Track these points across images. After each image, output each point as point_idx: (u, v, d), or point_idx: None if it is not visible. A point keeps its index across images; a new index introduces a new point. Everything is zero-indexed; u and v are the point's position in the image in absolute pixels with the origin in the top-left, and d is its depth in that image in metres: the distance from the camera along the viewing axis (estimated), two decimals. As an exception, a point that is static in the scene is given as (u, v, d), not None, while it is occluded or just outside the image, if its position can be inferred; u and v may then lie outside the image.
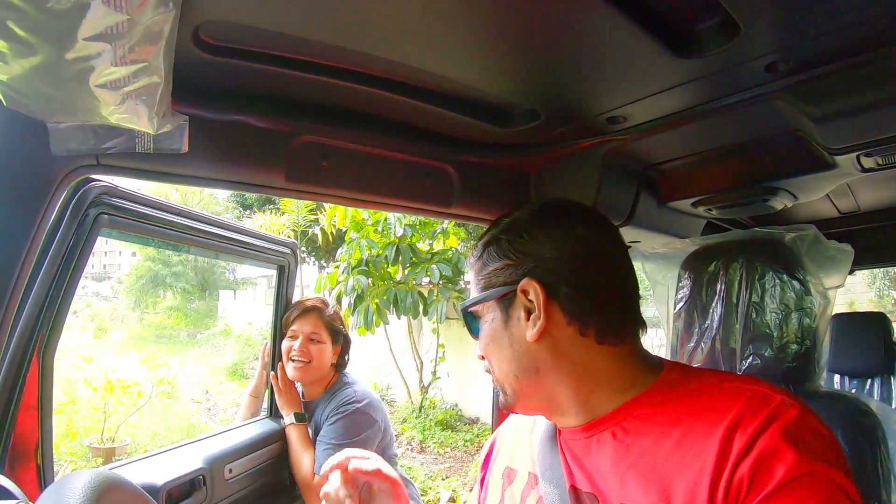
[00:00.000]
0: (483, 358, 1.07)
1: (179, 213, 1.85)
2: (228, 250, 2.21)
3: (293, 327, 2.48)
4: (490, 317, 1.03)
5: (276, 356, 2.56)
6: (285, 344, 2.49)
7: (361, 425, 2.40)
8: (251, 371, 16.24)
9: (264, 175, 1.36)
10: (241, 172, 1.34)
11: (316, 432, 2.45)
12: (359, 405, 2.43)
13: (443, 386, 9.93)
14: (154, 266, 34.88)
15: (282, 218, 10.33)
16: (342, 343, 2.60)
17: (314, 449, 2.38)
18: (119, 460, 6.95)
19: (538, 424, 1.14)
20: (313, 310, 2.51)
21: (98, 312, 42.84)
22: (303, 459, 2.37)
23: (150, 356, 8.47)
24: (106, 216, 1.52)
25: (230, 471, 2.11)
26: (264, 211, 10.31)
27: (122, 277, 43.93)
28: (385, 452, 2.48)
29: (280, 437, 2.47)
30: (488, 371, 1.07)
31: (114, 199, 1.54)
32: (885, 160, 1.29)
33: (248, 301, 27.82)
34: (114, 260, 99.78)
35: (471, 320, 1.08)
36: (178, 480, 1.83)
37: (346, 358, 2.65)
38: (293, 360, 2.45)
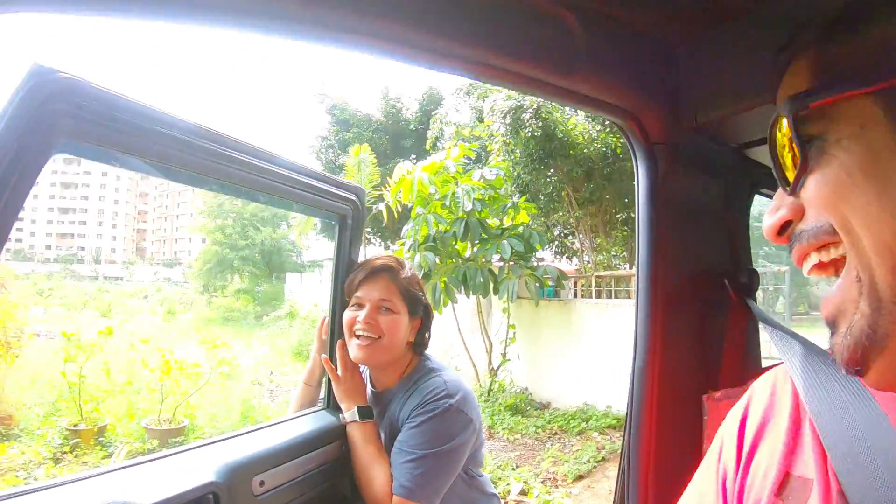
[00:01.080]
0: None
1: (190, 128, 1.39)
2: (265, 187, 1.67)
3: (358, 293, 1.94)
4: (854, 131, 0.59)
5: (335, 333, 2.03)
6: (348, 315, 1.94)
7: (454, 428, 1.86)
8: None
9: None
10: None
11: (392, 434, 1.93)
12: (452, 401, 1.86)
13: (512, 369, 9.58)
14: (221, 250, 35.66)
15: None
16: (422, 316, 2.03)
17: (388, 457, 1.88)
18: (176, 443, 6.98)
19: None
20: (384, 271, 1.96)
21: (168, 297, 44.21)
22: (373, 471, 1.86)
23: (210, 338, 8.29)
24: (70, 119, 1.12)
25: (261, 483, 1.61)
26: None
27: (191, 262, 44.82)
28: (475, 457, 2.02)
29: (337, 435, 1.95)
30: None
31: (84, 96, 1.14)
32: None
33: (314, 283, 28.14)
34: (184, 246, 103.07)
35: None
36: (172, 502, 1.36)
37: (427, 336, 2.08)
38: (357, 336, 1.90)
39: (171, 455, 1.59)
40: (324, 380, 2.12)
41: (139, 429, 7.58)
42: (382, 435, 1.98)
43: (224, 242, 35.72)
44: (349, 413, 1.93)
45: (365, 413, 1.93)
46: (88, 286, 54.06)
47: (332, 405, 2.06)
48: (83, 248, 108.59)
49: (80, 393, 7.50)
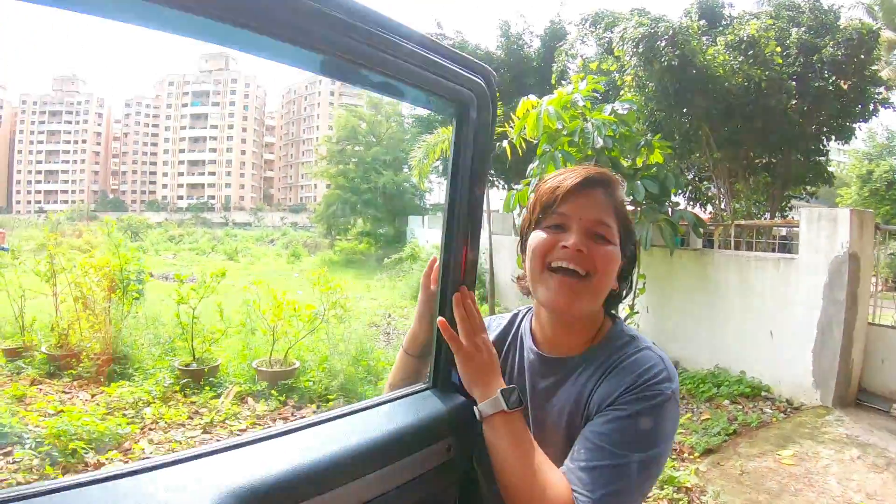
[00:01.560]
0: None
1: None
2: (348, 53, 1.10)
3: (561, 208, 1.37)
4: None
5: (450, 279, 1.45)
6: (540, 238, 1.39)
7: (671, 425, 1.32)
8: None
9: None
10: None
11: (571, 418, 1.39)
12: (672, 387, 1.32)
13: (640, 322, 8.93)
14: (344, 194, 36.65)
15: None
16: (629, 257, 1.47)
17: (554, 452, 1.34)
18: (285, 384, 6.83)
19: None
20: (601, 184, 1.40)
21: (292, 240, 45.92)
22: (541, 480, 1.27)
23: (324, 279, 8.11)
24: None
25: None
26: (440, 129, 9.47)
27: (315, 207, 46.15)
28: None
29: (447, 429, 1.41)
30: None
31: None
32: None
33: (437, 226, 28.56)
34: (309, 192, 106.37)
35: None
36: None
37: (628, 287, 1.54)
38: (556, 270, 1.35)
39: (182, 461, 1.03)
40: (433, 349, 1.52)
41: (250, 370, 7.55)
42: (557, 417, 1.41)
43: (346, 187, 36.80)
44: (490, 402, 1.36)
45: (514, 398, 1.35)
46: (217, 232, 57.03)
47: (441, 384, 1.51)
48: (213, 198, 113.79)
49: (192, 333, 7.57)
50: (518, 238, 1.54)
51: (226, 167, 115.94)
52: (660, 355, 1.37)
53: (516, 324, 1.63)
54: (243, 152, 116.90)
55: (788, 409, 7.07)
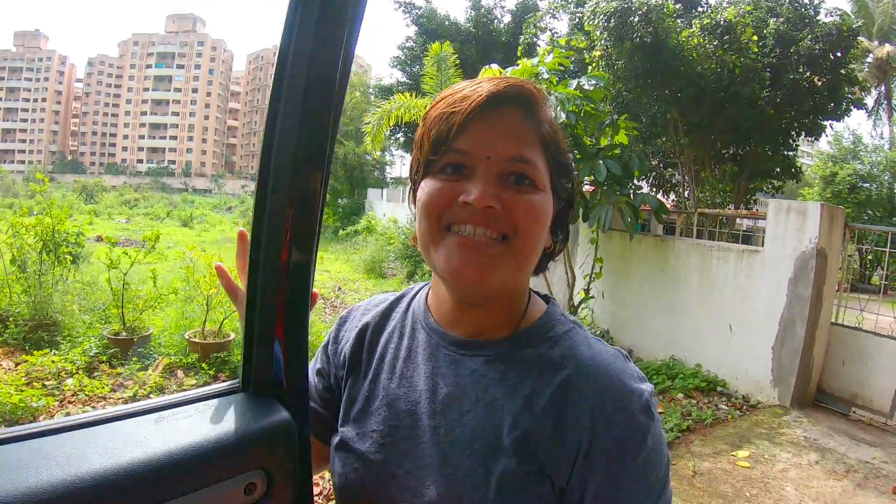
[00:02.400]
0: None
1: None
2: None
3: (458, 143, 0.91)
4: None
5: (264, 240, 0.96)
6: (433, 188, 0.94)
7: (664, 447, 0.92)
8: (389, 270, 15.92)
9: None
10: None
11: (482, 431, 0.93)
12: (646, 388, 0.92)
13: (595, 308, 8.65)
14: None
15: (423, 100, 9.03)
16: (566, 198, 1.03)
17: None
18: (218, 358, 6.42)
19: None
20: (515, 101, 0.94)
21: (251, 208, 45.54)
22: None
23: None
24: None
25: None
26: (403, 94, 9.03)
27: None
28: None
29: (259, 457, 0.92)
30: None
31: None
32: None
33: (395, 200, 28.52)
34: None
35: None
36: None
37: (563, 243, 1.07)
38: (459, 232, 0.91)
39: None
40: (242, 340, 1.03)
41: (182, 341, 7.09)
42: (474, 422, 0.94)
43: None
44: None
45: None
46: (175, 198, 56.28)
47: (257, 385, 1.00)
48: (173, 163, 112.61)
49: (123, 300, 7.11)
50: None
51: (188, 132, 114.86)
52: (615, 351, 0.98)
53: (406, 300, 1.18)
54: (206, 118, 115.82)
55: (745, 407, 6.86)
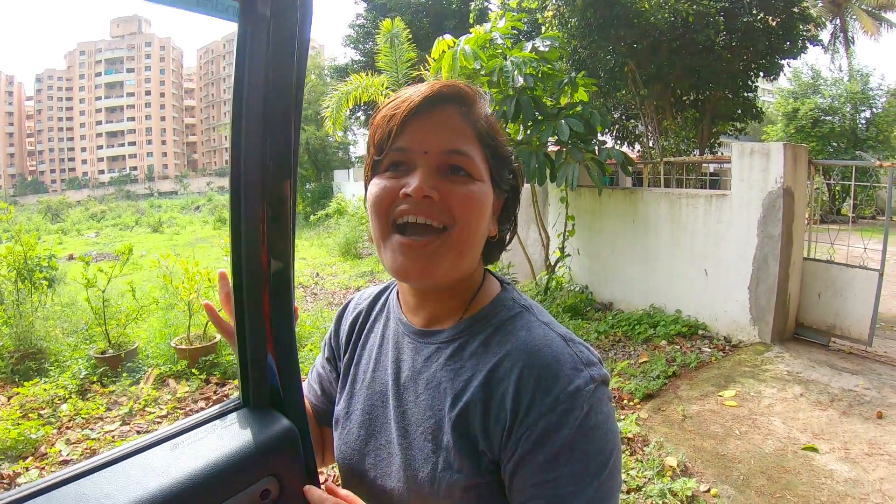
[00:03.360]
0: None
1: None
2: None
3: (399, 142, 0.99)
4: None
5: (244, 259, 0.98)
6: (378, 187, 1.00)
7: (611, 422, 0.94)
8: (364, 250, 15.96)
9: None
10: None
11: (433, 410, 1.01)
12: (594, 372, 0.94)
13: (571, 265, 8.70)
14: None
15: (379, 77, 8.96)
16: (508, 192, 1.10)
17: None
18: (206, 360, 6.38)
19: None
20: (451, 101, 1.01)
21: (218, 205, 45.05)
22: None
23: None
24: None
25: None
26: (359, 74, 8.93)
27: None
28: None
29: (267, 467, 0.96)
30: None
31: None
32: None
33: (363, 178, 28.87)
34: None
35: None
36: None
37: (511, 232, 1.15)
38: (402, 226, 0.98)
39: None
40: (237, 355, 1.07)
41: (169, 349, 7.05)
42: (424, 406, 1.03)
43: None
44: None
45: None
46: (142, 204, 55.69)
47: (256, 399, 1.06)
48: (135, 169, 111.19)
49: (104, 317, 7.03)
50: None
51: (146, 136, 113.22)
52: (563, 335, 0.99)
53: (387, 292, 1.28)
54: (163, 119, 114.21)
55: (727, 347, 6.97)
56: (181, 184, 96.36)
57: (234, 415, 1.05)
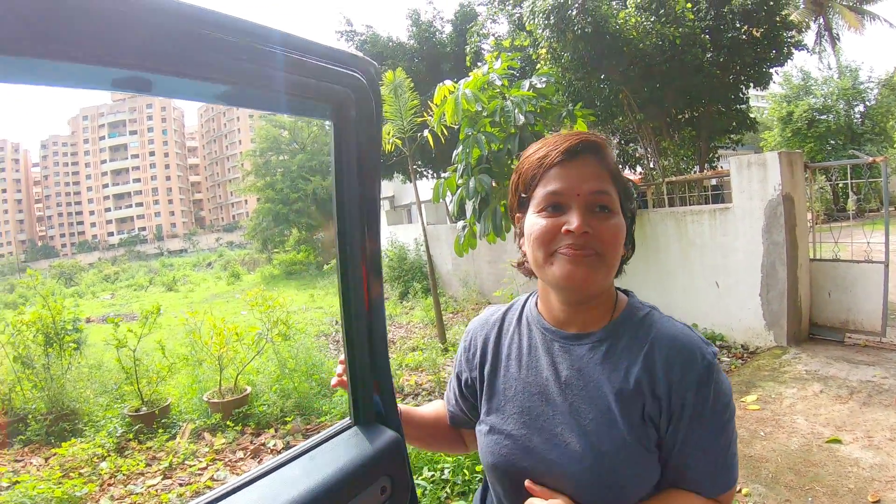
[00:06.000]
0: None
1: None
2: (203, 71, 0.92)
3: (551, 186, 1.25)
4: None
5: (349, 278, 1.33)
6: (537, 223, 1.26)
7: (729, 402, 1.27)
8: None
9: None
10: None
11: (619, 398, 1.25)
12: (712, 349, 1.28)
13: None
14: (274, 207, 36.53)
15: (385, 126, 9.23)
16: (630, 220, 1.35)
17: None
18: (240, 412, 6.60)
19: None
20: (590, 151, 1.27)
21: (230, 260, 45.29)
22: None
23: (261, 298, 7.91)
24: None
25: None
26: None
27: (248, 223, 45.84)
28: None
29: (381, 469, 1.31)
30: None
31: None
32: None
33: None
34: (241, 209, 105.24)
35: None
36: None
37: (631, 253, 1.41)
38: (564, 252, 1.22)
39: None
40: (348, 380, 1.42)
41: (202, 403, 7.29)
42: (594, 391, 1.29)
43: (276, 198, 36.68)
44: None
45: None
46: (153, 264, 55.91)
47: (363, 417, 1.40)
48: (144, 229, 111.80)
49: (136, 376, 7.27)
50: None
51: (153, 196, 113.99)
52: (685, 325, 1.32)
53: (516, 310, 1.52)
54: (168, 178, 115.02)
55: (745, 355, 7.17)
56: (190, 241, 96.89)
57: (348, 431, 1.38)
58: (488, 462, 1.38)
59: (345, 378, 1.45)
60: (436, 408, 1.72)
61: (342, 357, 1.45)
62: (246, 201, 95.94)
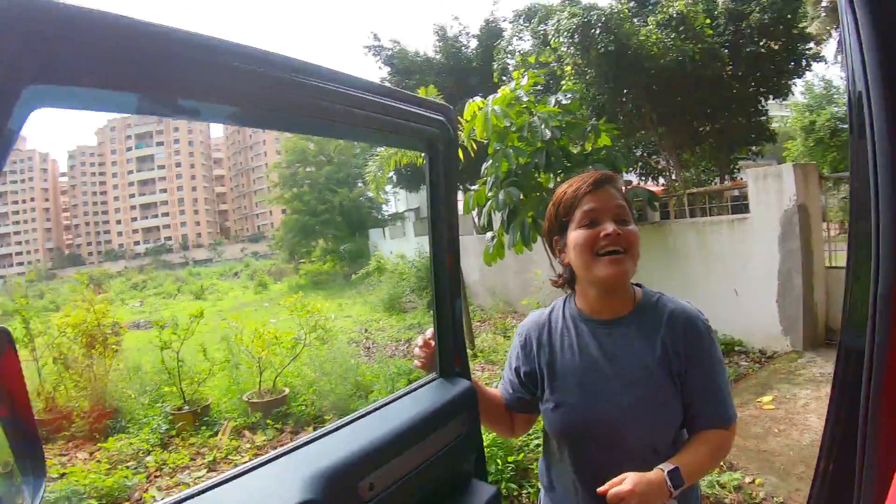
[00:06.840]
0: None
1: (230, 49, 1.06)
2: (324, 114, 1.29)
3: (587, 206, 1.70)
4: None
5: (446, 291, 1.84)
6: (580, 234, 1.69)
7: (719, 353, 1.80)
8: (408, 304, 16.34)
9: None
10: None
11: (632, 360, 1.71)
12: (704, 316, 1.79)
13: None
14: (302, 218, 36.63)
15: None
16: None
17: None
18: (279, 413, 6.97)
19: None
20: (608, 181, 1.74)
21: (257, 270, 45.64)
22: (717, 456, 1.75)
23: (299, 304, 8.31)
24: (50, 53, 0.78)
25: (370, 487, 1.34)
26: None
27: (275, 234, 46.08)
28: None
29: (459, 407, 1.76)
30: None
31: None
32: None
33: (398, 236, 28.71)
34: (266, 220, 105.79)
35: None
36: None
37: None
38: (602, 254, 1.66)
39: (258, 466, 1.31)
40: (435, 343, 1.90)
41: (241, 403, 7.68)
42: (637, 358, 1.73)
43: (303, 210, 36.77)
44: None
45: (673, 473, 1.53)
46: (180, 273, 56.37)
47: (445, 372, 1.88)
48: (170, 239, 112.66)
49: (179, 377, 7.68)
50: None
51: (178, 206, 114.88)
52: (687, 302, 1.81)
53: (557, 309, 1.95)
54: (194, 189, 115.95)
55: (763, 359, 7.43)
56: (216, 251, 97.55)
57: (435, 382, 1.87)
58: (556, 429, 1.80)
59: (424, 360, 1.93)
60: (496, 391, 2.12)
61: (419, 342, 1.93)
62: (271, 212, 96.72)
